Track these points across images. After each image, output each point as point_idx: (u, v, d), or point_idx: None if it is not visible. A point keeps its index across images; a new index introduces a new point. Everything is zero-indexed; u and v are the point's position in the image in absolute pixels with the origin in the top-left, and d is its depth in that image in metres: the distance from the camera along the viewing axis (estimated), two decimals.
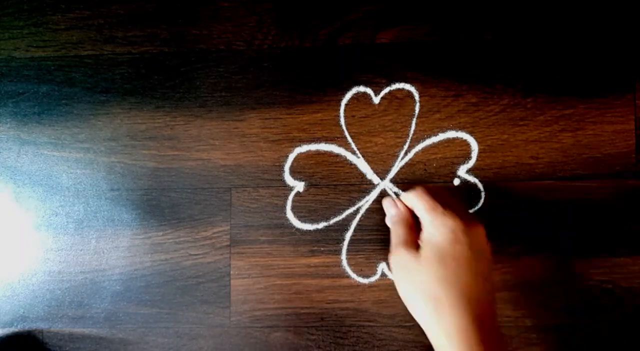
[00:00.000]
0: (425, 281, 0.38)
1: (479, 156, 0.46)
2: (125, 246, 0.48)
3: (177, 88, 0.48)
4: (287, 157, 0.47)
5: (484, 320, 0.36)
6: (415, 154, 0.47)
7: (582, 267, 0.46)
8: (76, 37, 0.48)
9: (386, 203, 0.45)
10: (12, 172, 0.48)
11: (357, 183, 0.47)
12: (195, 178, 0.47)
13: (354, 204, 0.47)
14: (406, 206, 0.43)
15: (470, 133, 0.46)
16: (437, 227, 0.39)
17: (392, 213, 0.44)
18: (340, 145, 0.47)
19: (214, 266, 0.47)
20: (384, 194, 0.47)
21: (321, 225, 0.47)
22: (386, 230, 0.47)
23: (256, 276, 0.47)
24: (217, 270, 0.47)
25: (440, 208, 0.39)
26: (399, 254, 0.40)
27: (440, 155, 0.46)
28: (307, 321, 0.47)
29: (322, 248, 0.47)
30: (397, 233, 0.42)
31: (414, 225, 0.42)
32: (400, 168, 0.47)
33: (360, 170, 0.47)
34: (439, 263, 0.37)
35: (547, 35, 0.46)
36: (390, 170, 0.47)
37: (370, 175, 0.47)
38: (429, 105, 0.46)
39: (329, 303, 0.47)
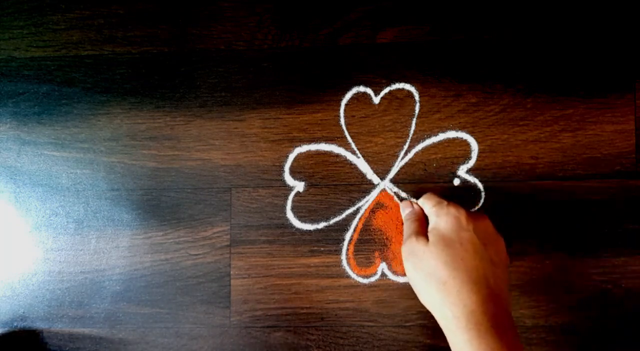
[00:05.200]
0: (432, 265, 0.39)
1: (479, 156, 0.46)
2: (125, 246, 0.48)
3: (177, 89, 0.48)
4: (287, 157, 0.47)
5: (493, 303, 0.37)
6: (415, 154, 0.47)
7: (582, 267, 0.46)
8: (76, 37, 0.48)
9: (403, 204, 0.46)
10: (12, 172, 0.48)
11: (357, 183, 0.47)
12: (195, 178, 0.47)
13: (354, 204, 0.47)
14: (421, 207, 0.45)
15: (470, 133, 0.46)
16: (441, 216, 0.41)
17: (407, 212, 0.45)
18: (340, 145, 0.47)
19: (214, 267, 0.47)
20: (383, 194, 0.47)
21: (321, 225, 0.47)
22: (386, 230, 0.47)
23: (256, 276, 0.47)
24: (217, 270, 0.47)
25: (445, 202, 0.42)
26: (409, 243, 0.41)
27: (440, 155, 0.46)
28: (307, 321, 0.47)
29: (322, 248, 0.47)
30: (409, 226, 0.43)
31: (425, 222, 0.43)
32: (400, 168, 0.47)
33: (360, 170, 0.47)
34: (445, 247, 0.39)
35: (547, 35, 0.46)
36: (390, 170, 0.47)
37: (370, 175, 0.47)
38: (429, 105, 0.46)
39: (329, 303, 0.47)
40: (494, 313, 0.36)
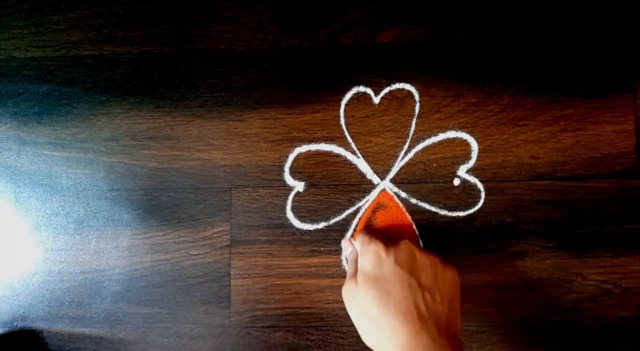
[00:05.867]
0: (364, 305, 0.39)
1: (479, 156, 0.46)
2: (125, 246, 0.48)
3: (177, 89, 0.48)
4: (287, 157, 0.47)
5: (427, 333, 0.36)
6: (415, 154, 0.47)
7: (582, 267, 0.46)
8: (76, 37, 0.48)
9: (343, 243, 0.46)
10: (12, 172, 0.48)
11: (357, 183, 0.47)
12: (195, 178, 0.47)
13: (354, 204, 0.47)
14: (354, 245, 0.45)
15: (470, 133, 0.46)
16: (363, 255, 0.41)
17: (347, 252, 0.45)
18: (340, 145, 0.47)
19: (214, 267, 0.47)
20: (383, 194, 0.47)
21: (321, 225, 0.47)
22: (386, 230, 0.47)
23: (256, 276, 0.47)
24: (217, 270, 0.47)
25: (367, 239, 0.42)
26: (345, 285, 0.41)
27: (440, 155, 0.46)
28: (307, 321, 0.47)
29: (322, 248, 0.47)
30: (348, 267, 0.44)
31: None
32: (400, 168, 0.47)
33: (360, 170, 0.47)
34: (371, 285, 0.39)
35: (547, 35, 0.46)
36: (390, 170, 0.47)
37: (370, 175, 0.47)
38: (429, 105, 0.46)
39: (329, 303, 0.47)
40: (428, 344, 0.36)
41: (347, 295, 0.41)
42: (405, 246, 0.40)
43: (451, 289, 0.40)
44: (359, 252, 0.42)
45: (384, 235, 0.46)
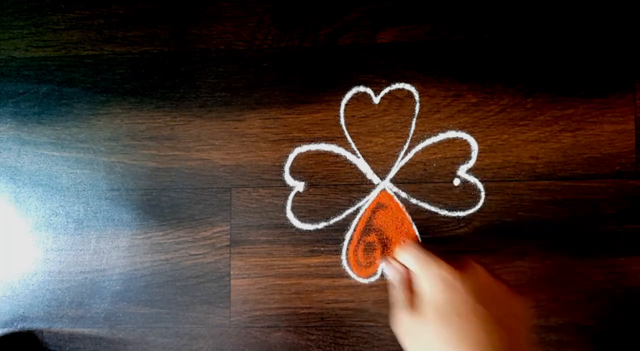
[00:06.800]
0: (434, 346, 0.33)
1: (479, 156, 0.46)
2: (125, 246, 0.48)
3: (177, 89, 0.48)
4: (287, 157, 0.47)
5: None
6: (415, 154, 0.47)
7: (582, 267, 0.46)
8: (76, 37, 0.48)
9: (385, 265, 0.44)
10: (12, 172, 0.48)
11: (357, 183, 0.47)
12: (195, 178, 0.47)
13: (354, 204, 0.47)
14: (402, 264, 0.41)
15: (470, 133, 0.46)
16: (429, 280, 0.36)
17: (391, 275, 0.42)
18: (340, 145, 0.47)
19: (214, 267, 0.47)
20: (383, 194, 0.47)
21: (321, 225, 0.47)
22: (386, 230, 0.47)
23: (256, 276, 0.47)
24: (217, 270, 0.47)
25: (430, 259, 0.37)
26: (401, 320, 0.36)
27: (440, 155, 0.46)
28: (307, 321, 0.47)
29: (322, 248, 0.47)
30: (396, 295, 0.39)
31: (411, 283, 0.39)
32: (400, 168, 0.47)
33: (360, 170, 0.47)
34: (442, 321, 0.33)
35: (547, 35, 0.46)
36: (390, 170, 0.47)
37: (370, 175, 0.47)
38: (429, 105, 0.46)
39: (329, 303, 0.47)
40: None
41: (406, 332, 0.35)
42: (474, 270, 0.35)
43: (523, 326, 0.35)
44: (415, 270, 0.37)
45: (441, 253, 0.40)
